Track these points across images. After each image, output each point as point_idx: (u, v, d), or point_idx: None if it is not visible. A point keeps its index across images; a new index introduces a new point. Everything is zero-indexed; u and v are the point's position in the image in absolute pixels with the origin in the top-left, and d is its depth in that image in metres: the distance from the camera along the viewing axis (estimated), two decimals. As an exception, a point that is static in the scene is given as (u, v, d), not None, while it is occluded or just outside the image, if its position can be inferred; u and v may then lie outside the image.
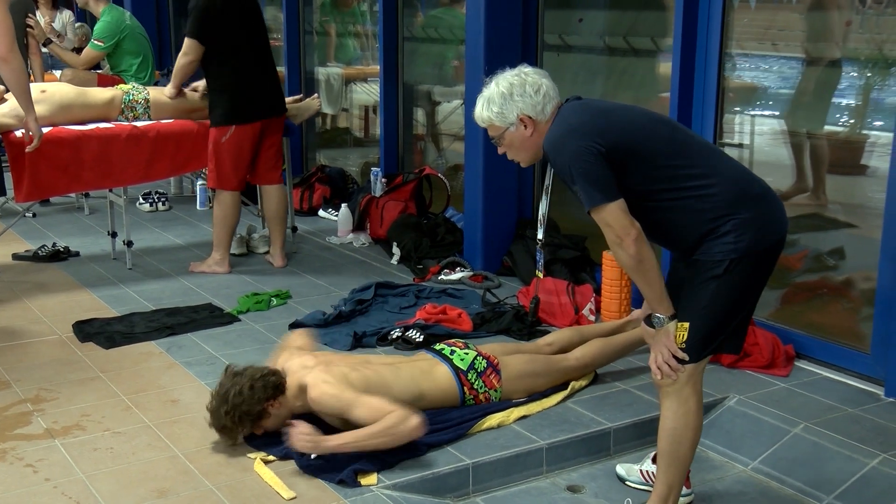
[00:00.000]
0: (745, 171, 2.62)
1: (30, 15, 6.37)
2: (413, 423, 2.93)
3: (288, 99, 5.70)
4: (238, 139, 4.98)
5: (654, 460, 2.93)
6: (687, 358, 2.53)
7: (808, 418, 3.29)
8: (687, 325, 2.52)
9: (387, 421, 2.91)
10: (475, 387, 3.32)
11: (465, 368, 3.33)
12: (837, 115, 4.23)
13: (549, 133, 2.55)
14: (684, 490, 2.88)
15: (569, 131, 2.49)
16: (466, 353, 3.38)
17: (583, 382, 3.55)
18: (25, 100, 4.34)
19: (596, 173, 2.43)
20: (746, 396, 3.47)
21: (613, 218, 2.43)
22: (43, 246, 5.46)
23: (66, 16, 8.15)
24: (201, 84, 5.22)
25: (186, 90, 5.29)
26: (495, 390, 3.34)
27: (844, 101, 4.16)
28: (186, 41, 4.91)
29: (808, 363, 3.80)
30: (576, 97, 2.66)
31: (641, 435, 3.28)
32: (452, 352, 3.39)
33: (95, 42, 6.51)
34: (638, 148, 2.50)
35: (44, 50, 6.75)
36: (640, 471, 3.04)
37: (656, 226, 2.55)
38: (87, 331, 4.16)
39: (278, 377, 3.09)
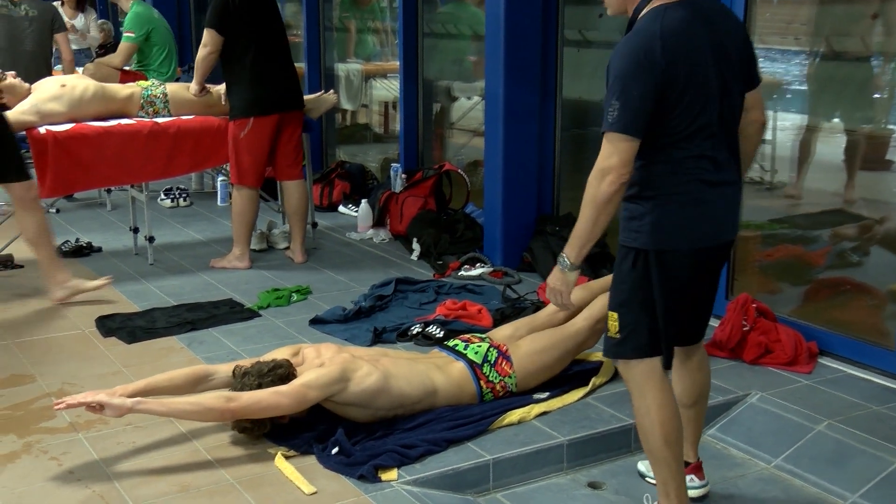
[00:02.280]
0: (713, 172, 2.46)
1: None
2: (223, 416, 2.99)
3: (306, 97, 5.72)
4: (257, 133, 5.00)
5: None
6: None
7: (832, 416, 3.26)
8: (616, 315, 2.53)
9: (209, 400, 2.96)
10: (490, 379, 3.32)
11: (479, 362, 3.33)
12: (863, 111, 4.19)
13: (628, 35, 2.43)
14: (697, 482, 2.86)
15: (641, 46, 2.36)
16: (479, 346, 3.38)
17: (603, 379, 3.54)
18: None
19: (640, 102, 2.33)
20: (768, 393, 3.45)
21: (622, 151, 2.34)
22: (66, 241, 5.51)
23: (90, 15, 8.23)
24: (220, 88, 5.25)
25: (210, 87, 5.30)
26: (509, 376, 3.35)
27: (869, 96, 4.12)
28: (206, 32, 4.93)
29: (831, 360, 3.76)
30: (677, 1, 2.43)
31: (662, 432, 3.26)
32: (466, 346, 3.40)
33: (126, 34, 6.60)
34: (681, 97, 2.38)
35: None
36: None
37: None
38: (110, 326, 4.19)
39: (285, 368, 3.10)
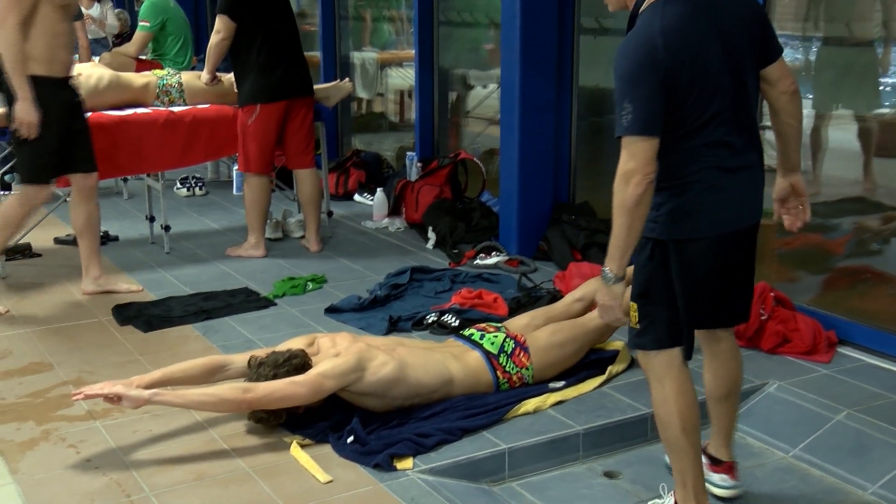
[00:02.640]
0: (729, 158, 2.42)
1: None
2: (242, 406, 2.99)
3: (322, 85, 5.72)
4: (263, 120, 5.00)
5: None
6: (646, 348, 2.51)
7: (851, 405, 3.23)
8: (636, 306, 2.50)
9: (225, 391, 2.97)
10: (507, 369, 3.31)
11: (495, 352, 3.32)
12: (884, 97, 4.14)
13: (629, 35, 2.39)
14: (730, 482, 2.79)
15: (643, 45, 2.32)
16: (496, 336, 3.37)
17: (620, 367, 3.52)
18: (17, 79, 4.00)
19: (649, 101, 2.29)
20: (787, 383, 3.42)
21: (643, 151, 2.29)
22: (83, 230, 5.52)
23: (106, 5, 8.26)
24: (232, 76, 5.25)
25: (221, 76, 5.31)
26: (527, 368, 3.34)
27: (891, 82, 4.06)
28: (219, 18, 4.95)
29: (850, 349, 3.73)
30: None
31: (679, 421, 3.24)
32: (482, 336, 3.39)
33: (141, 23, 6.63)
34: (689, 91, 2.33)
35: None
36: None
37: None
38: (126, 314, 4.21)
39: (301, 358, 3.10)
